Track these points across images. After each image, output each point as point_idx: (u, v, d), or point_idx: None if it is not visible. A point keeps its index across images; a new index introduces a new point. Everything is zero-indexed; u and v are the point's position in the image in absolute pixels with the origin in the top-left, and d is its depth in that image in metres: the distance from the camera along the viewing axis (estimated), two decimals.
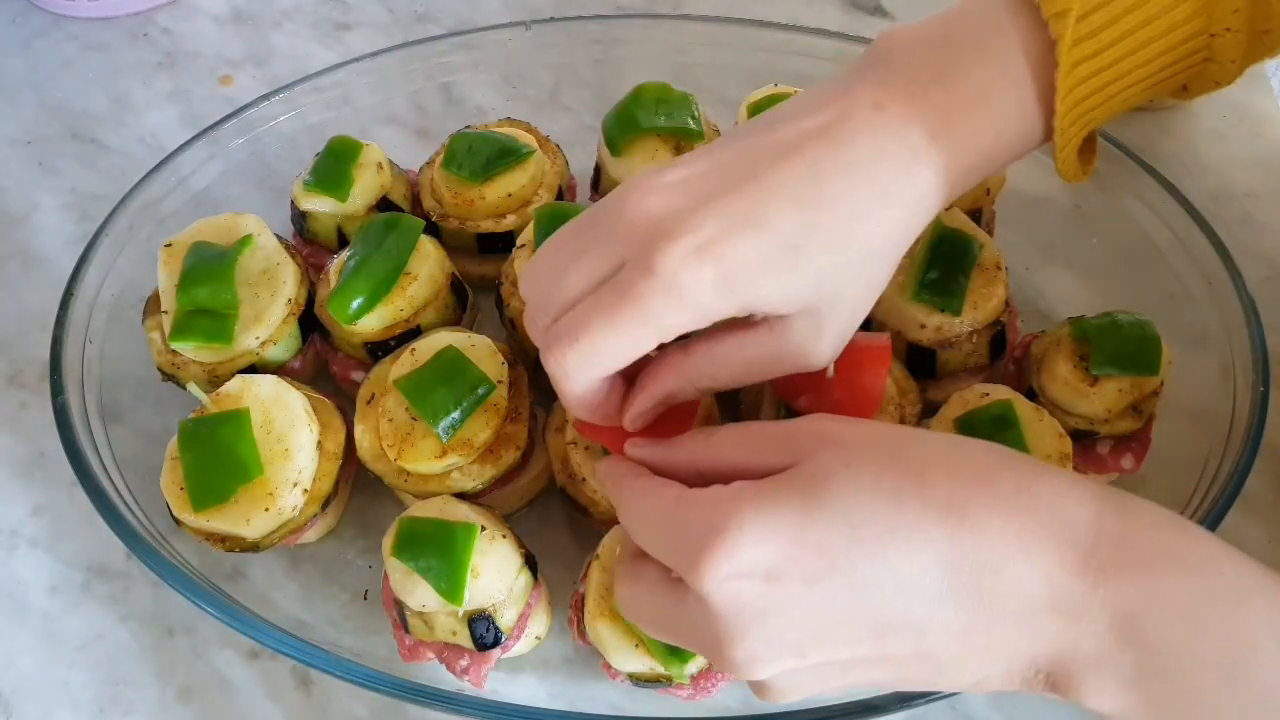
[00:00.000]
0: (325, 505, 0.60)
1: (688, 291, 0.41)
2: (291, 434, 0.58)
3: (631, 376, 0.48)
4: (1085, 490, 0.38)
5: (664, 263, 0.40)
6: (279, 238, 0.68)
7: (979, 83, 0.45)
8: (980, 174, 0.47)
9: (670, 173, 0.44)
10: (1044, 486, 0.38)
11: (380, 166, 0.71)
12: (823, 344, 0.45)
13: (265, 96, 0.77)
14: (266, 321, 0.64)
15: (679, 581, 0.40)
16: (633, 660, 0.53)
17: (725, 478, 0.40)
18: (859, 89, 0.44)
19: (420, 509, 0.56)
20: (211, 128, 0.75)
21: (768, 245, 0.41)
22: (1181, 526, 0.38)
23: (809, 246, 0.42)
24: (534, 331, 0.46)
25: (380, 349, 0.64)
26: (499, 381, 0.60)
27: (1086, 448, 0.62)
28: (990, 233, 0.72)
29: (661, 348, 0.45)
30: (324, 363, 0.69)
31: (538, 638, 0.59)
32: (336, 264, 0.66)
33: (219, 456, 0.57)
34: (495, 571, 0.54)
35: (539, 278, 0.45)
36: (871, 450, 0.39)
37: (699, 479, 0.42)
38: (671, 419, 0.54)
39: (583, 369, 0.44)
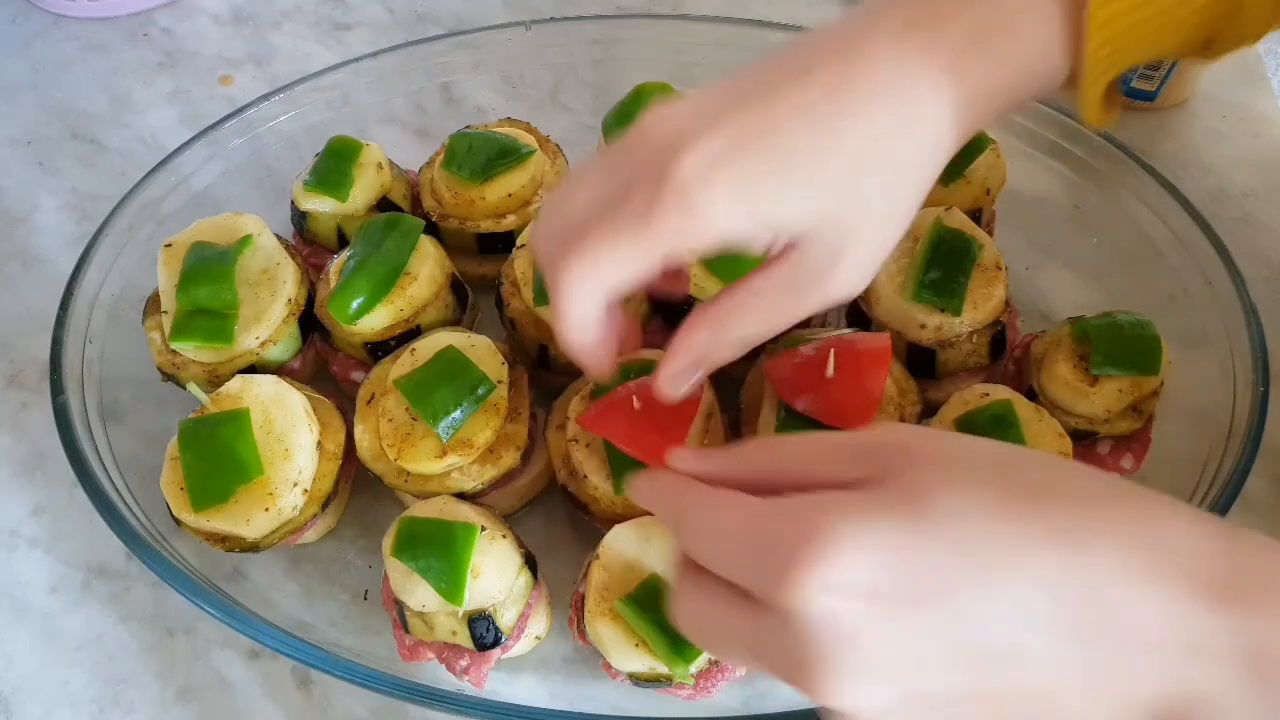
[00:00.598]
0: (325, 505, 0.60)
1: (699, 205, 0.39)
2: (291, 434, 0.58)
3: (624, 339, 0.47)
4: (1211, 525, 0.34)
5: (674, 175, 0.39)
6: (279, 238, 0.68)
7: (1007, 13, 0.43)
8: (1001, 106, 0.45)
9: (688, 97, 0.42)
10: (1166, 517, 0.34)
11: (380, 166, 0.71)
12: (845, 272, 0.43)
13: (265, 96, 0.77)
14: (266, 321, 0.64)
15: (752, 598, 0.36)
16: (633, 660, 0.53)
17: (794, 492, 0.36)
18: (885, 14, 0.43)
19: (420, 509, 0.56)
20: (211, 128, 0.75)
21: (780, 158, 0.40)
22: None
23: (824, 159, 0.40)
24: (540, 253, 0.44)
25: (380, 349, 0.64)
26: (499, 381, 0.60)
27: (1086, 448, 0.62)
28: (990, 233, 0.72)
29: (688, 310, 0.44)
30: (324, 363, 0.69)
31: (538, 638, 0.59)
32: (336, 264, 0.66)
33: (219, 456, 0.57)
34: (495, 571, 0.54)
35: (552, 200, 0.44)
36: (974, 470, 0.35)
37: (760, 494, 0.37)
38: (671, 416, 0.54)
39: (583, 283, 0.41)
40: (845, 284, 0.44)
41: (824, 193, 0.41)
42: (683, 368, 0.46)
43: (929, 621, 0.33)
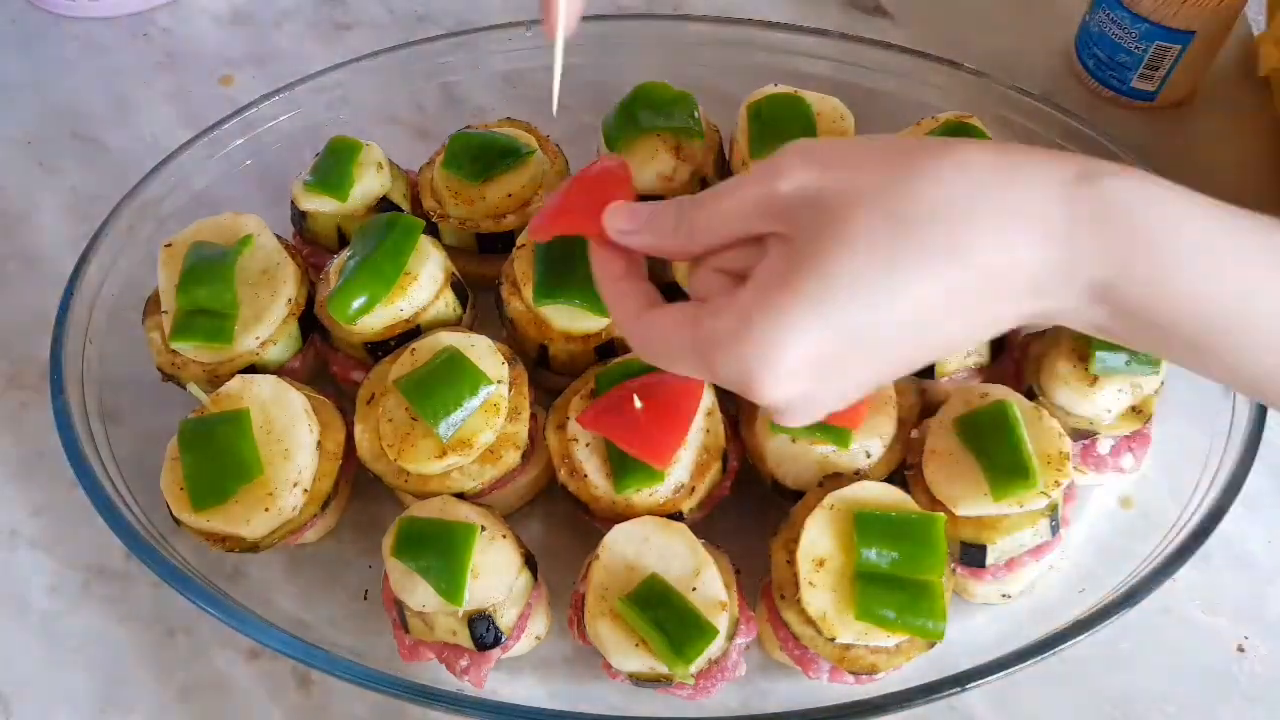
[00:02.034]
0: (325, 505, 0.60)
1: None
2: (291, 434, 0.58)
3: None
4: (1061, 191, 0.40)
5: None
6: (279, 238, 0.68)
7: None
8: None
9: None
10: (1023, 203, 0.40)
11: (380, 166, 0.71)
12: None
13: (265, 96, 0.77)
14: (266, 321, 0.64)
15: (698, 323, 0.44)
16: (633, 660, 0.53)
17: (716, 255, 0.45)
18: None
19: (420, 509, 0.56)
20: (211, 128, 0.75)
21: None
22: (1143, 204, 0.41)
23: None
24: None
25: (380, 349, 0.64)
26: (499, 381, 0.60)
27: (1086, 448, 0.62)
28: None
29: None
30: (324, 363, 0.69)
31: (538, 638, 0.59)
32: (336, 264, 0.66)
33: (219, 456, 0.57)
34: (495, 571, 0.54)
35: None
36: (858, 208, 0.41)
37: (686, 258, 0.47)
38: (671, 415, 0.55)
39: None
40: None
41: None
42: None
43: (860, 364, 0.42)
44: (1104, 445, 0.62)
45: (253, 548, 0.58)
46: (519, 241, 0.66)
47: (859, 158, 0.42)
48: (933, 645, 0.54)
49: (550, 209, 0.50)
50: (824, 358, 0.41)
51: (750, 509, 0.63)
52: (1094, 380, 0.59)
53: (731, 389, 0.44)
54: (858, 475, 0.59)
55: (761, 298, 0.42)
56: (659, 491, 0.58)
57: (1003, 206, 0.40)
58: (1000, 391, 0.59)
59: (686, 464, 0.59)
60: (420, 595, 0.53)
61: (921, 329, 0.41)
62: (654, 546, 0.55)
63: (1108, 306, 0.41)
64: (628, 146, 0.70)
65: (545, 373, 0.66)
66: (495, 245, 0.70)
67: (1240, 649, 0.60)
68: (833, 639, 0.53)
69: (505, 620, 0.55)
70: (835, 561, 0.54)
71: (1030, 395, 0.61)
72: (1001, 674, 0.53)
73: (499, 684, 0.58)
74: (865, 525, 0.54)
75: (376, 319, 0.64)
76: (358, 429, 0.61)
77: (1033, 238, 0.40)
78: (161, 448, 0.60)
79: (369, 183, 0.70)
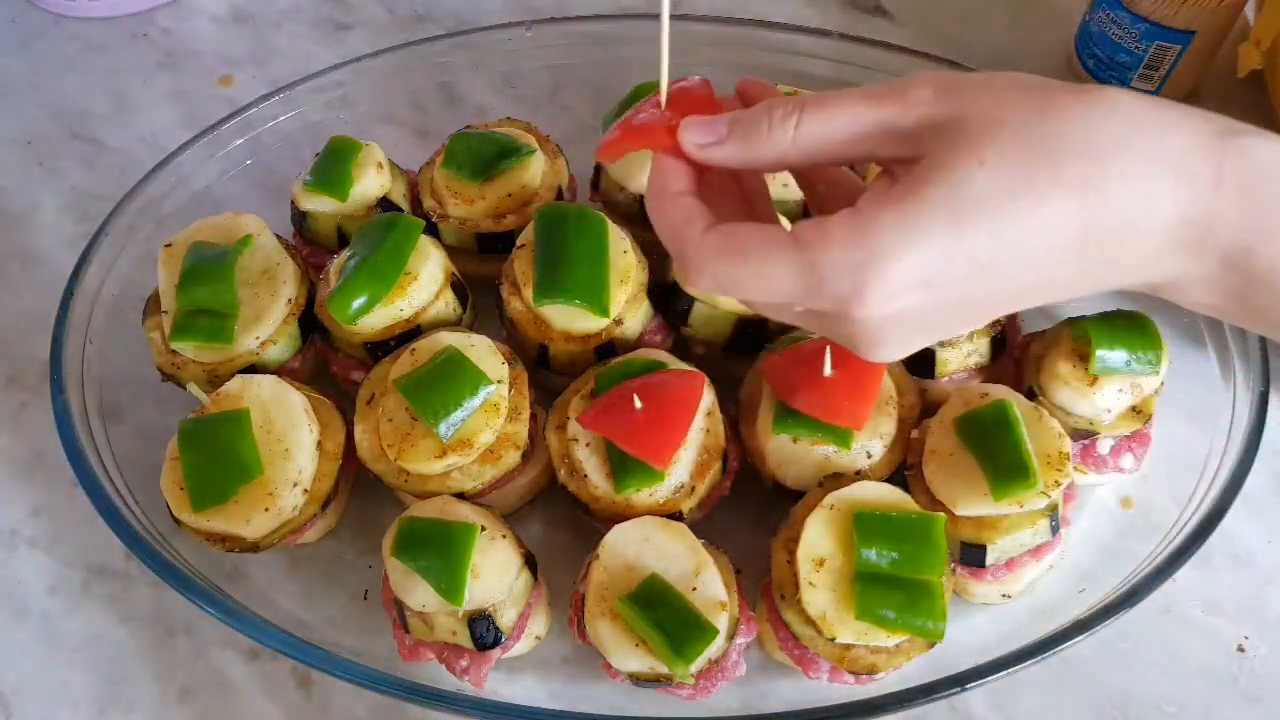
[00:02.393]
0: (325, 505, 0.60)
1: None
2: (291, 434, 0.58)
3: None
4: (1206, 147, 0.39)
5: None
6: (279, 238, 0.68)
7: None
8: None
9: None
10: (1168, 151, 0.39)
11: (380, 166, 0.71)
12: None
13: (265, 96, 0.77)
14: (266, 321, 0.64)
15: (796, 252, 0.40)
16: (633, 660, 0.53)
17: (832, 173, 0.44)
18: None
19: (420, 509, 0.56)
20: (211, 128, 0.75)
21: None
22: None
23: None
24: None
25: (380, 349, 0.64)
26: (499, 381, 0.60)
27: (1087, 447, 0.62)
28: None
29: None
30: (324, 363, 0.69)
31: (538, 638, 0.59)
32: (336, 264, 0.66)
33: (219, 456, 0.57)
34: (495, 571, 0.54)
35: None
36: (1000, 137, 0.39)
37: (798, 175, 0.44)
38: (671, 415, 0.55)
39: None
40: None
41: None
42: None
43: (976, 292, 0.40)
44: (1104, 445, 0.62)
45: (253, 548, 0.58)
46: (519, 241, 0.66)
47: (999, 89, 0.40)
48: (933, 645, 0.54)
49: (622, 126, 0.45)
50: (941, 276, 0.39)
51: (750, 509, 0.63)
52: (1094, 380, 0.59)
53: (827, 305, 0.40)
54: (858, 475, 0.59)
55: (882, 203, 0.39)
56: (659, 491, 0.58)
57: (1147, 152, 0.38)
58: (1000, 391, 0.59)
59: (686, 464, 0.59)
60: (420, 595, 0.53)
61: (1044, 264, 0.39)
62: (654, 546, 0.55)
63: (1240, 275, 0.40)
64: None
65: (545, 373, 0.66)
66: (495, 245, 0.70)
67: (1240, 649, 0.60)
68: (833, 639, 0.53)
69: (505, 620, 0.55)
70: (835, 561, 0.54)
71: (1030, 395, 0.61)
72: (1001, 674, 0.53)
73: (499, 684, 0.58)
74: (865, 525, 0.54)
75: (376, 319, 0.64)
76: (358, 429, 0.61)
77: (1176, 189, 0.38)
78: (161, 448, 0.60)
79: (369, 183, 0.70)
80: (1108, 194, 0.38)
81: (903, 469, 0.60)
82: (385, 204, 0.71)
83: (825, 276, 0.39)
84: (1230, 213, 0.39)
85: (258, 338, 0.64)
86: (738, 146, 0.42)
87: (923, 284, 0.39)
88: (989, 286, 0.40)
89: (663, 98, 0.45)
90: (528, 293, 0.64)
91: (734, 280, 0.42)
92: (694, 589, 0.54)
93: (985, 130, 0.39)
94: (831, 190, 0.48)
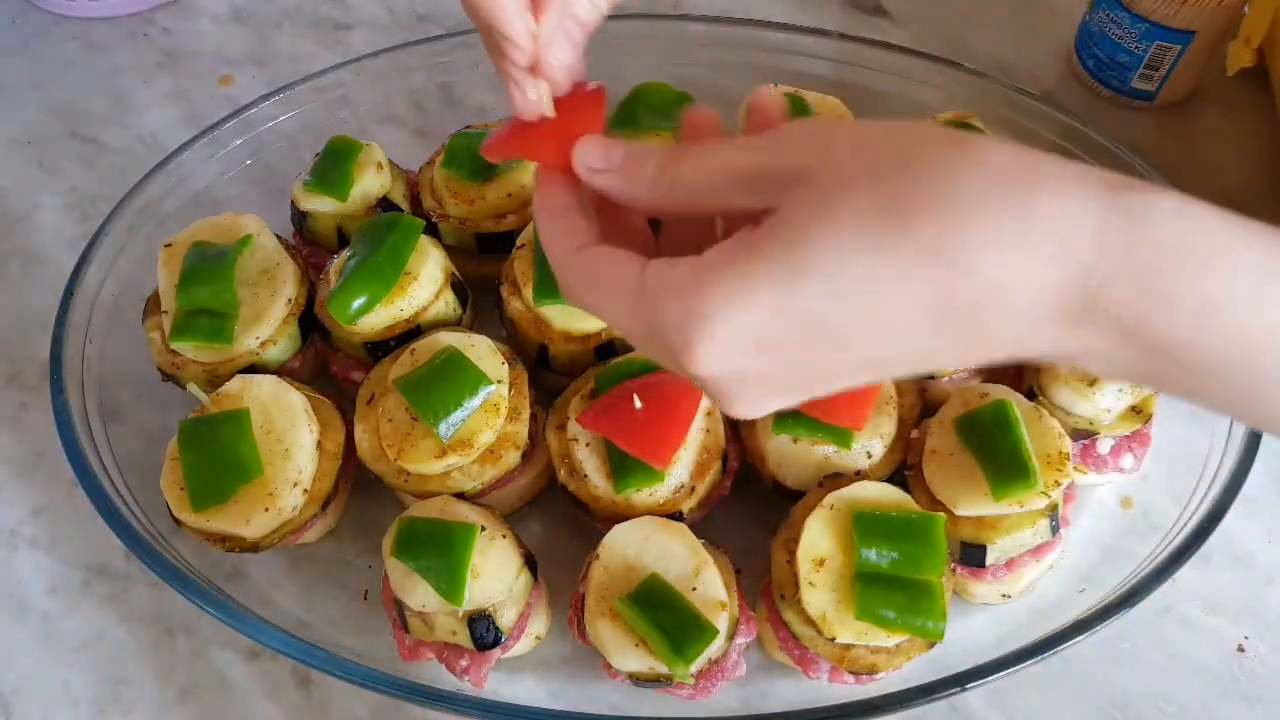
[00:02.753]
0: (325, 505, 0.60)
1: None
2: (291, 434, 0.58)
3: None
4: (1087, 204, 0.35)
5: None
6: (279, 238, 0.68)
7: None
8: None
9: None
10: (1041, 208, 0.35)
11: (380, 166, 0.71)
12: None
13: (265, 96, 0.77)
14: (266, 321, 0.64)
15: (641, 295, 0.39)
16: (633, 660, 0.53)
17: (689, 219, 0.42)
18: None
19: (420, 509, 0.56)
20: (211, 128, 0.75)
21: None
22: (1188, 226, 0.35)
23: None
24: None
25: (380, 349, 0.64)
26: (499, 381, 0.60)
27: (1086, 448, 0.62)
28: None
29: None
30: (324, 363, 0.69)
31: (538, 638, 0.59)
32: (336, 264, 0.66)
33: (219, 456, 0.57)
34: (495, 571, 0.54)
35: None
36: (851, 192, 0.36)
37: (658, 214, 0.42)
38: (671, 414, 0.54)
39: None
40: None
41: None
42: (555, 22, 0.44)
43: (815, 354, 0.37)
44: (1104, 445, 0.62)
45: (253, 548, 0.58)
46: (519, 241, 0.66)
47: (863, 139, 0.37)
48: (933, 645, 0.54)
49: (508, 128, 0.44)
50: (776, 338, 0.37)
51: (750, 509, 0.63)
52: (1094, 380, 0.59)
53: (656, 352, 0.39)
54: (858, 475, 0.59)
55: (725, 256, 0.37)
56: (659, 491, 0.58)
57: (1018, 213, 0.34)
58: (1000, 391, 0.59)
59: (686, 464, 0.59)
60: (420, 595, 0.53)
61: (901, 332, 0.36)
62: (654, 546, 0.55)
63: (1139, 347, 0.35)
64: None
65: (545, 373, 0.66)
66: (495, 245, 0.70)
67: (1240, 649, 0.60)
68: (833, 639, 0.53)
69: (505, 620, 0.55)
70: (835, 561, 0.54)
71: (1030, 395, 0.62)
72: (1001, 674, 0.53)
73: (499, 684, 0.58)
74: (865, 525, 0.54)
75: (376, 319, 0.64)
76: (358, 429, 0.61)
77: (1049, 252, 0.34)
78: (161, 448, 0.60)
79: (369, 183, 0.70)
80: (965, 260, 0.34)
81: (903, 469, 0.60)
82: (385, 204, 0.71)
83: (660, 327, 0.38)
84: (1119, 279, 0.34)
85: (258, 338, 0.64)
86: (621, 180, 0.42)
87: (755, 345, 0.37)
88: (832, 352, 0.37)
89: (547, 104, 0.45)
90: (528, 293, 0.64)
91: (590, 307, 0.41)
92: (694, 589, 0.54)
93: (836, 184, 0.36)
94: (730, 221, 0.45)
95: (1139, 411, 0.61)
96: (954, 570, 0.58)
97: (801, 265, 0.36)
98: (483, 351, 0.61)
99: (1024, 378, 0.64)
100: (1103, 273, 0.34)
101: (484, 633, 0.54)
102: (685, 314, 0.37)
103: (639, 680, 0.54)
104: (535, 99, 0.44)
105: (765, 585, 0.58)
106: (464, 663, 0.55)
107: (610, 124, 0.71)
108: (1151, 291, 0.34)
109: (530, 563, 0.57)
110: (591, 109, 0.45)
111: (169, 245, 0.66)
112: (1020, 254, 0.34)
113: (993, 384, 0.61)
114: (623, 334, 0.42)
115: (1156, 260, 0.34)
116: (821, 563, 0.54)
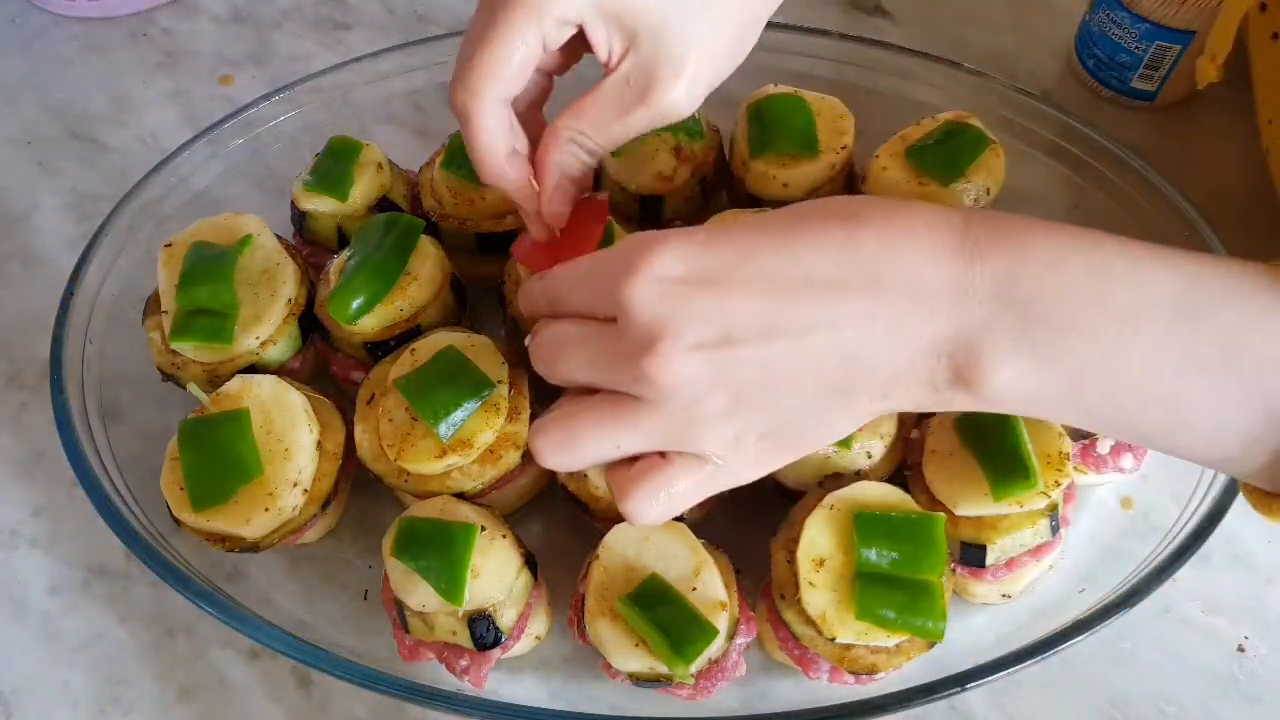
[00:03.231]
0: (325, 505, 0.60)
1: None
2: (291, 434, 0.58)
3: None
4: (952, 209, 0.43)
5: None
6: (279, 238, 0.68)
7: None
8: None
9: None
10: (915, 206, 0.43)
11: (380, 166, 0.71)
12: (674, 84, 0.49)
13: (265, 96, 0.77)
14: (266, 321, 0.64)
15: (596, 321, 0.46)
16: (633, 660, 0.53)
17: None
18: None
19: (420, 509, 0.56)
20: (211, 128, 0.75)
21: None
22: (1037, 223, 0.42)
23: None
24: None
25: (380, 349, 0.64)
26: (499, 381, 0.60)
27: (1086, 447, 0.62)
28: None
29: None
30: (324, 363, 0.69)
31: (538, 638, 0.59)
32: (336, 264, 0.66)
33: (219, 456, 0.57)
34: (495, 571, 0.54)
35: None
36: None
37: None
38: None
39: (481, 96, 0.48)
40: (674, 99, 0.49)
41: None
42: (553, 185, 0.53)
43: (740, 283, 0.42)
44: (1104, 445, 0.62)
45: (253, 548, 0.58)
46: None
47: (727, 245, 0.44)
48: (933, 645, 0.54)
49: (529, 241, 0.58)
50: (694, 271, 0.43)
51: (750, 509, 0.63)
52: None
53: (596, 297, 0.46)
54: (858, 475, 0.59)
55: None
56: None
57: (895, 284, 0.41)
58: None
59: None
60: (420, 595, 0.53)
61: (802, 269, 0.42)
62: (654, 546, 0.55)
63: (1006, 300, 0.41)
64: (627, 147, 0.69)
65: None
66: (495, 245, 0.70)
67: (1240, 649, 0.60)
68: (833, 639, 0.53)
69: (505, 620, 0.55)
70: (835, 561, 0.54)
71: None
72: (1001, 674, 0.53)
73: (499, 684, 0.58)
74: (865, 525, 0.54)
75: (376, 319, 0.64)
76: (358, 429, 0.61)
77: (926, 311, 0.41)
78: (161, 448, 0.60)
79: (369, 183, 0.70)
80: (867, 219, 0.42)
81: (903, 469, 0.60)
82: (385, 204, 0.71)
83: (604, 259, 0.46)
84: (989, 243, 0.41)
85: (258, 338, 0.64)
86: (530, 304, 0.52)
87: (682, 275, 0.43)
88: (754, 283, 0.42)
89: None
90: None
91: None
92: (694, 589, 0.54)
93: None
94: None
95: None
96: (954, 570, 0.58)
97: (724, 231, 0.44)
98: (483, 351, 0.61)
99: None
100: (974, 239, 0.41)
101: (484, 633, 0.54)
102: (625, 252, 0.44)
103: (639, 680, 0.54)
104: (543, 231, 0.56)
105: (765, 585, 0.58)
106: (464, 663, 0.55)
107: None
108: (1013, 250, 0.41)
109: (530, 563, 0.57)
110: (593, 222, 0.56)
111: (169, 245, 0.66)
112: (906, 220, 0.42)
113: None
114: (579, 292, 0.48)
115: (1015, 230, 0.41)
116: (821, 563, 0.54)
